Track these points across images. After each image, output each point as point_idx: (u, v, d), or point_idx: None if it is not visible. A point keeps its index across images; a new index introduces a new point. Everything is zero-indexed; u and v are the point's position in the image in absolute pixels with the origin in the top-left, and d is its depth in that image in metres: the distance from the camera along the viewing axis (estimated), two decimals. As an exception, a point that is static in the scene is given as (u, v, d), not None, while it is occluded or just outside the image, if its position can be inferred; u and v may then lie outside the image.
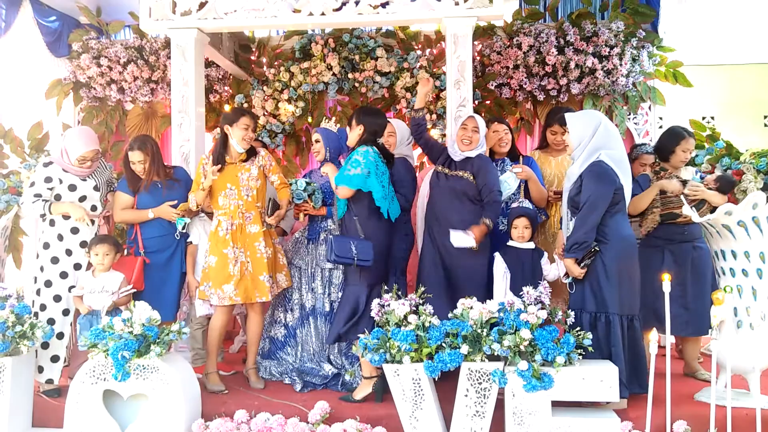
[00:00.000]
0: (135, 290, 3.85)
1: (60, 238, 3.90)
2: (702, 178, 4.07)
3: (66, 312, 3.87)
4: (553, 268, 3.77)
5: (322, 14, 4.44)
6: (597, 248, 3.44)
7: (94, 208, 3.98)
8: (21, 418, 3.56)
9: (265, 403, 3.61)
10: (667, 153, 4.04)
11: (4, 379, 3.44)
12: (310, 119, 5.76)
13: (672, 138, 4.03)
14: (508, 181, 3.99)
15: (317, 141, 4.26)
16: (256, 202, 3.97)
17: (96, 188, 3.97)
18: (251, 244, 3.91)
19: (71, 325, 3.91)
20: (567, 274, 3.57)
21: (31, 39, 5.62)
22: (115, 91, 5.78)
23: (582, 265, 3.45)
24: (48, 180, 3.88)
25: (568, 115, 3.67)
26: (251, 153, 4.01)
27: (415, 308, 3.30)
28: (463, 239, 3.64)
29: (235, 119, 3.93)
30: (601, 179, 3.45)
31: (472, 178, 3.79)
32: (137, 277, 3.89)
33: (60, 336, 3.84)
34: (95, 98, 5.90)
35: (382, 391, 3.60)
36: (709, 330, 3.53)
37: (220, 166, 3.89)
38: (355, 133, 3.80)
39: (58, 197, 3.89)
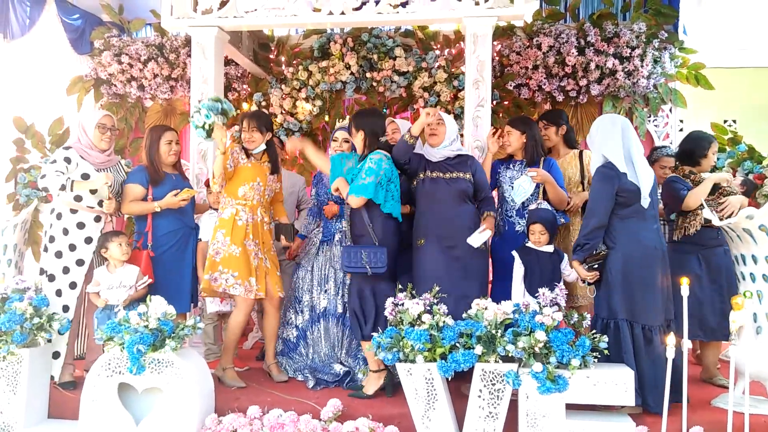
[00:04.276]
0: (151, 282, 3.87)
1: (65, 232, 3.88)
2: None
3: (65, 308, 3.85)
4: (573, 271, 3.74)
5: (342, 13, 4.45)
6: (604, 251, 3.39)
7: (101, 203, 3.94)
8: (37, 409, 3.59)
9: (278, 400, 3.62)
10: (700, 157, 4.03)
11: (22, 371, 3.48)
12: (327, 118, 5.77)
13: (704, 142, 4.04)
14: (523, 185, 3.95)
15: (346, 140, 4.21)
16: (271, 203, 4.13)
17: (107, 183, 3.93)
18: (267, 241, 4.01)
19: (70, 321, 3.88)
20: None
21: (55, 36, 5.72)
22: (135, 88, 5.84)
23: (588, 267, 3.42)
24: (67, 160, 3.85)
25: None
26: (278, 162, 4.13)
27: (429, 308, 3.29)
28: (480, 237, 3.65)
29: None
30: (599, 178, 3.43)
31: (471, 176, 3.79)
32: (145, 271, 3.89)
33: (60, 332, 3.79)
34: (116, 95, 5.97)
35: (392, 385, 3.62)
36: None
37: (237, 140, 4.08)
38: (358, 139, 3.80)
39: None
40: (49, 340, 3.75)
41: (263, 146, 4.01)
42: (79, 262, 3.89)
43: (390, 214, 3.70)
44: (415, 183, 3.86)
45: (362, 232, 3.71)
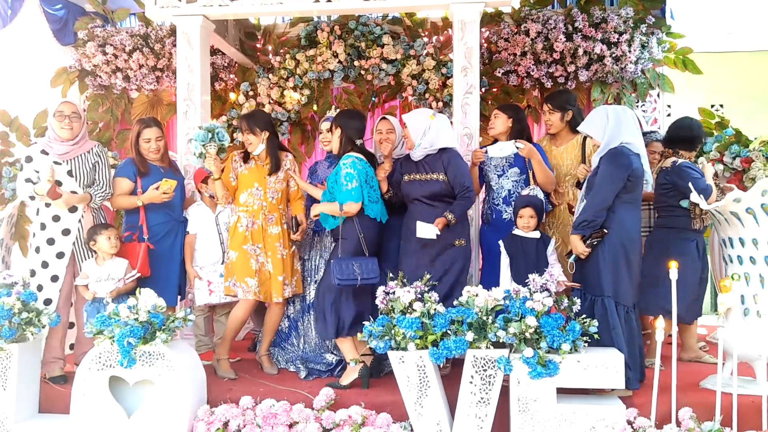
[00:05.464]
0: (140, 276, 3.85)
1: (42, 227, 3.85)
2: None
3: (48, 302, 3.81)
4: (558, 265, 3.77)
5: (329, 0, 4.41)
6: (605, 231, 3.45)
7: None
8: (28, 404, 3.58)
9: (271, 390, 3.61)
10: (699, 145, 4.12)
11: (11, 366, 3.45)
12: (315, 107, 5.74)
13: (703, 130, 4.14)
14: (504, 148, 4.02)
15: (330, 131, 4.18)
16: (279, 204, 4.01)
17: (70, 173, 3.87)
18: (272, 245, 3.95)
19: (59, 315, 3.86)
20: (570, 253, 3.58)
21: (37, 27, 5.64)
22: (120, 79, 5.78)
23: (587, 243, 3.46)
24: (28, 159, 3.84)
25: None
26: (278, 160, 4.00)
27: (420, 296, 3.29)
28: (427, 230, 3.63)
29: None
30: (613, 160, 3.46)
31: (444, 176, 3.73)
32: (143, 263, 3.88)
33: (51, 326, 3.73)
34: (101, 86, 5.90)
35: (368, 376, 3.64)
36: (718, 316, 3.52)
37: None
38: (335, 137, 3.83)
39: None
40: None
41: (262, 146, 3.95)
42: (59, 255, 3.85)
43: (368, 216, 3.71)
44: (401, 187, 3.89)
45: (346, 236, 3.72)
